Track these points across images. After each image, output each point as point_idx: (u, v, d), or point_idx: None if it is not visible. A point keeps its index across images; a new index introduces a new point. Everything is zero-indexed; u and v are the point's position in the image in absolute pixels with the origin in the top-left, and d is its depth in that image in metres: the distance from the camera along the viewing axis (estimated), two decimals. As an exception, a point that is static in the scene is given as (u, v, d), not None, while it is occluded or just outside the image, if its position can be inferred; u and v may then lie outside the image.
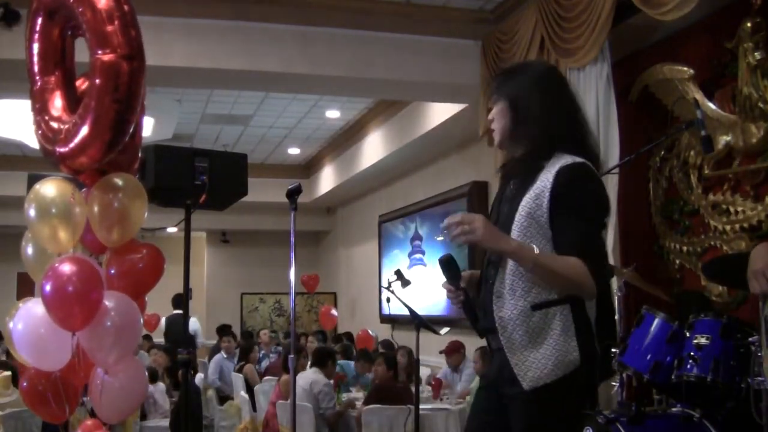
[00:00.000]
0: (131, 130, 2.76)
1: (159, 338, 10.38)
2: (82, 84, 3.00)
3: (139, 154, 3.11)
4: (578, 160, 2.13)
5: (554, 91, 2.24)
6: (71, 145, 2.69)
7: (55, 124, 2.80)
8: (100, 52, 2.61)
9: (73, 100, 2.88)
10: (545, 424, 2.10)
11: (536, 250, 2.05)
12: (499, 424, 2.19)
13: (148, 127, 7.96)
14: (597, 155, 2.26)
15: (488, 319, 2.19)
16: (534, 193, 2.11)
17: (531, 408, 2.09)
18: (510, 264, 2.12)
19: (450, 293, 2.28)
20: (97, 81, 2.62)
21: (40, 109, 2.88)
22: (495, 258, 2.20)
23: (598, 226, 2.14)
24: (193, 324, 10.11)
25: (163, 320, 10.12)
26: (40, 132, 2.87)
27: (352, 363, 7.28)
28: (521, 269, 2.10)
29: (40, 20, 2.87)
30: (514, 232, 2.12)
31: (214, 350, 9.09)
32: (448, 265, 2.21)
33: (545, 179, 2.10)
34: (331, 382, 5.68)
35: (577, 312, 2.10)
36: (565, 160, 2.12)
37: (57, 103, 2.86)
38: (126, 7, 2.66)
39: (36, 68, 2.91)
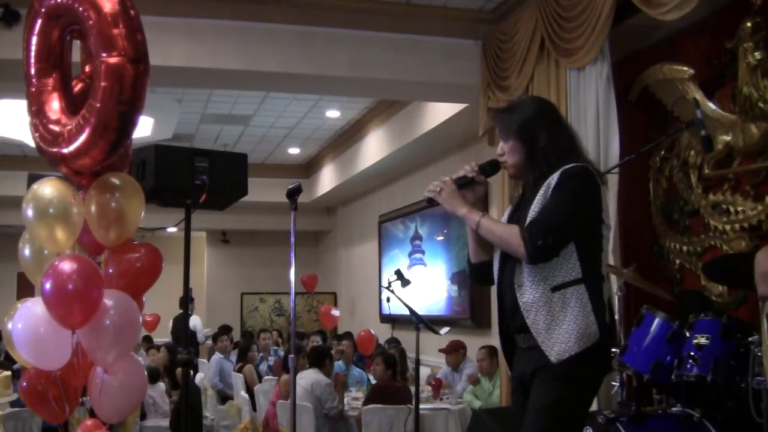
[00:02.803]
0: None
1: (163, 338, 10.41)
2: (75, 85, 3.00)
3: (131, 155, 3.12)
4: (581, 164, 2.45)
5: (555, 121, 2.57)
6: (74, 146, 2.70)
7: (55, 127, 2.80)
8: (105, 54, 2.62)
9: (71, 102, 2.88)
10: (570, 393, 2.34)
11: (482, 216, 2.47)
12: None
13: (148, 127, 7.97)
14: (595, 167, 2.56)
15: (518, 319, 2.43)
16: (543, 190, 2.42)
17: (558, 380, 2.32)
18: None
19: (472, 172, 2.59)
20: (103, 84, 2.62)
21: (37, 111, 2.87)
22: (509, 264, 2.47)
23: (570, 217, 2.38)
24: (193, 320, 10.24)
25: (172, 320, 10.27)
26: (37, 134, 2.87)
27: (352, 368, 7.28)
28: None
29: (39, 22, 2.87)
30: None
31: (213, 350, 9.10)
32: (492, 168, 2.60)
33: (552, 179, 2.42)
34: (332, 381, 5.68)
35: (592, 290, 2.37)
36: (570, 164, 2.44)
37: (54, 105, 2.86)
38: (132, 12, 2.67)
39: (33, 70, 2.90)
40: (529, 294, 2.37)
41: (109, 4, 2.63)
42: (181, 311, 10.36)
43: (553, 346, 2.32)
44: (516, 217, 2.55)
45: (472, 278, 2.74)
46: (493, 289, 2.60)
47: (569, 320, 2.32)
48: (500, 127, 2.61)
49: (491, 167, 2.61)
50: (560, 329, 2.32)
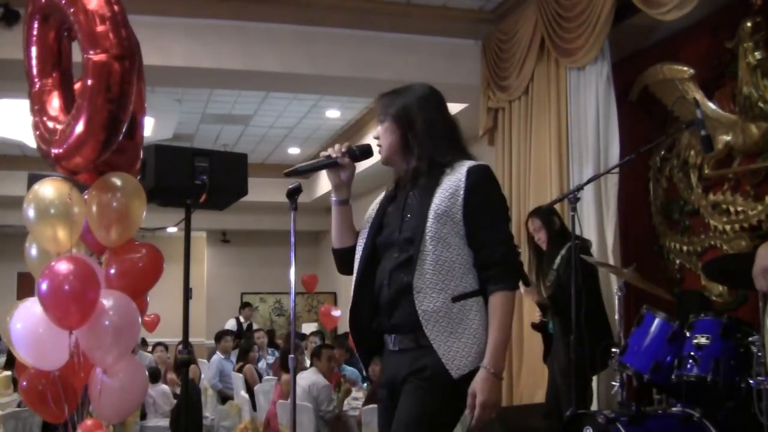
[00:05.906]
0: (125, 129, 2.75)
1: (162, 337, 10.41)
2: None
3: (141, 155, 3.10)
4: (482, 162, 2.33)
5: (436, 109, 2.44)
6: (65, 145, 2.69)
7: (51, 124, 2.80)
8: (91, 52, 2.60)
9: (70, 101, 2.88)
10: (447, 402, 2.18)
11: (487, 359, 2.15)
12: None
13: (148, 127, 7.94)
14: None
15: (395, 318, 2.27)
16: (447, 192, 2.25)
17: (437, 389, 2.17)
18: (429, 260, 2.21)
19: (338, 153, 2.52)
20: (90, 81, 2.61)
21: (39, 111, 2.87)
22: (404, 258, 2.27)
23: (508, 222, 2.33)
24: (230, 323, 11.04)
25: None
26: (38, 133, 2.87)
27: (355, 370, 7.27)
28: (440, 264, 2.20)
29: (35, 23, 2.87)
30: (427, 234, 2.22)
31: (213, 351, 9.09)
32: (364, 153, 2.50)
33: (456, 179, 2.26)
34: (330, 384, 5.67)
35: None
36: (471, 162, 2.31)
37: (55, 104, 2.86)
38: (116, 8, 2.65)
39: (34, 71, 2.91)
40: (429, 302, 2.19)
41: (93, 2, 2.61)
42: (238, 316, 11.42)
43: (453, 359, 2.16)
44: (398, 208, 2.39)
45: (339, 266, 2.56)
46: (353, 278, 2.40)
47: (469, 333, 2.17)
48: (380, 107, 2.48)
49: (360, 152, 2.52)
50: (459, 342, 2.16)
